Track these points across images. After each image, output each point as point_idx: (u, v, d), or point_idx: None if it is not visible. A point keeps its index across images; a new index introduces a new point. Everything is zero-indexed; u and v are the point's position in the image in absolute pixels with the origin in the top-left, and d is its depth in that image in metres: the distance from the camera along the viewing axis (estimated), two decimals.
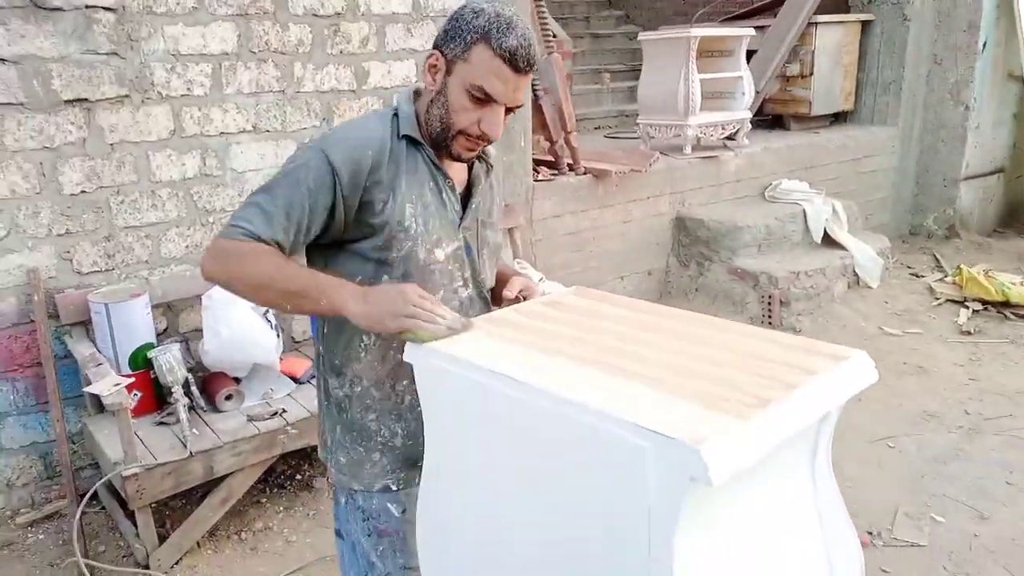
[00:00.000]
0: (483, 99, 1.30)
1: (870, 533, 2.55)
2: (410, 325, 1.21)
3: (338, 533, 1.57)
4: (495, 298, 1.53)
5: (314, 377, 1.58)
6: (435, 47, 1.35)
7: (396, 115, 1.38)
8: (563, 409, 1.02)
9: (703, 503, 0.95)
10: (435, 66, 1.34)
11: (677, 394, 1.02)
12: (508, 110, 1.34)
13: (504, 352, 1.18)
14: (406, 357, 1.27)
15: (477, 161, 1.46)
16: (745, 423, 0.93)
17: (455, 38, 1.31)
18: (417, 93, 1.43)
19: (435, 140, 1.37)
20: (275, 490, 2.90)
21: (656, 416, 0.94)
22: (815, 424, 1.09)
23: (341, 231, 1.34)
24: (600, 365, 1.12)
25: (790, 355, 1.12)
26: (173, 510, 2.75)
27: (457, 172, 1.44)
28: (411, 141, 1.37)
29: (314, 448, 2.93)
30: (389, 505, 1.45)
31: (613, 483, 0.99)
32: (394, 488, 1.45)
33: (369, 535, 1.47)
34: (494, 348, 1.20)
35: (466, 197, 1.46)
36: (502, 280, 1.54)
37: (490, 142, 1.37)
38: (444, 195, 1.41)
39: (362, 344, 1.40)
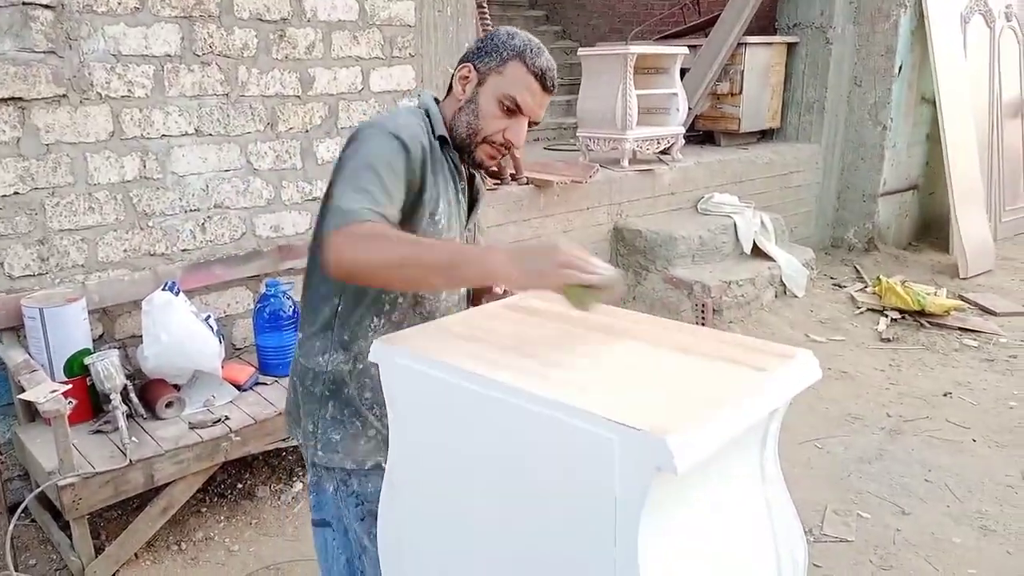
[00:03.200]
0: (512, 109, 1.45)
1: None
2: (571, 275, 1.18)
3: (321, 523, 1.58)
4: (474, 296, 1.64)
5: (289, 374, 1.60)
6: (466, 60, 1.49)
7: (428, 115, 1.49)
8: (529, 405, 1.06)
9: (665, 494, 1.00)
10: (467, 77, 1.48)
11: (639, 389, 1.07)
12: (529, 124, 1.49)
13: (469, 351, 1.22)
14: (371, 357, 1.29)
15: (475, 171, 1.60)
16: (705, 416, 0.99)
17: (490, 53, 1.45)
18: (436, 100, 1.54)
19: (459, 145, 1.50)
20: (215, 499, 2.85)
21: (621, 409, 0.99)
22: (764, 419, 1.16)
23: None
24: (562, 363, 1.16)
25: (742, 354, 1.19)
26: (109, 521, 2.68)
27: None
28: (442, 142, 1.48)
29: (256, 456, 2.90)
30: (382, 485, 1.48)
31: (579, 476, 1.03)
32: (385, 466, 1.48)
33: (363, 519, 1.50)
34: (459, 347, 1.24)
35: (470, 202, 1.60)
36: None
37: (511, 151, 1.51)
38: (460, 196, 1.54)
39: (371, 324, 1.47)
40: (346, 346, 1.47)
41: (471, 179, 1.60)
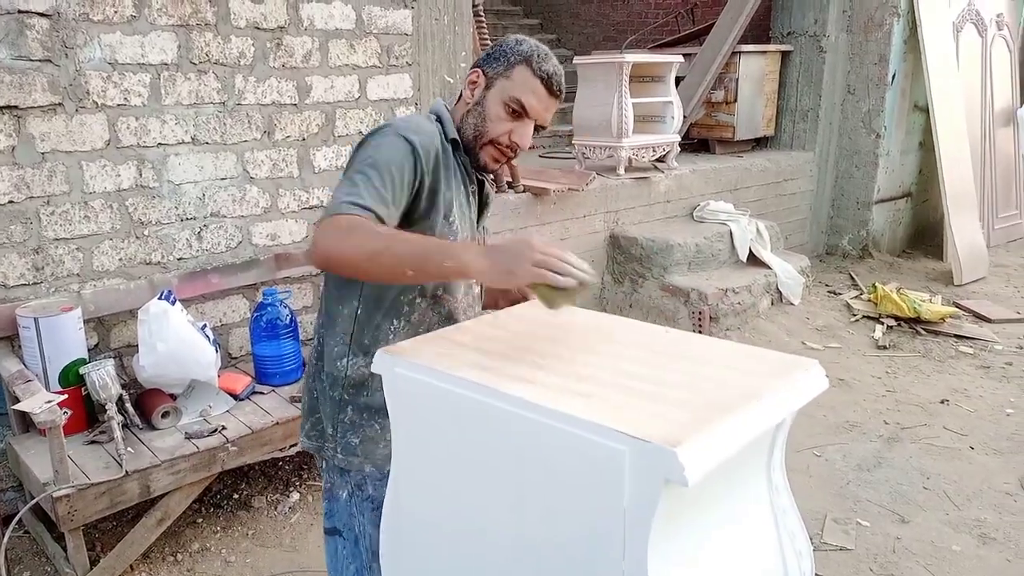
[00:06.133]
0: (518, 112, 1.48)
1: None
2: (541, 275, 1.17)
3: (332, 531, 1.60)
4: (491, 298, 1.71)
5: (305, 376, 1.65)
6: (475, 67, 1.54)
7: (440, 119, 1.53)
8: (537, 416, 1.06)
9: (674, 505, 0.99)
10: (475, 82, 1.52)
11: (646, 400, 1.06)
12: (535, 128, 1.52)
13: (472, 360, 1.21)
14: (374, 368, 1.28)
15: (482, 176, 1.63)
16: (715, 426, 0.98)
17: (499, 58, 1.50)
18: (446, 108, 1.58)
19: (466, 148, 1.53)
20: (212, 510, 2.83)
21: (631, 421, 0.99)
22: (772, 429, 1.16)
23: (412, 212, 1.43)
24: (568, 373, 1.15)
25: (749, 364, 1.19)
26: (103, 532, 2.65)
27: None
28: (454, 145, 1.52)
29: (252, 467, 2.88)
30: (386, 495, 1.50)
31: (588, 487, 1.02)
32: None
33: (379, 525, 1.49)
34: (462, 357, 1.23)
35: (480, 205, 1.64)
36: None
37: (516, 154, 1.55)
38: (471, 199, 1.58)
39: (391, 327, 1.49)
40: (366, 350, 1.49)
41: (480, 184, 1.63)
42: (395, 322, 1.49)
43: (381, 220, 1.31)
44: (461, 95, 1.56)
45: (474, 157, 1.54)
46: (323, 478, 1.61)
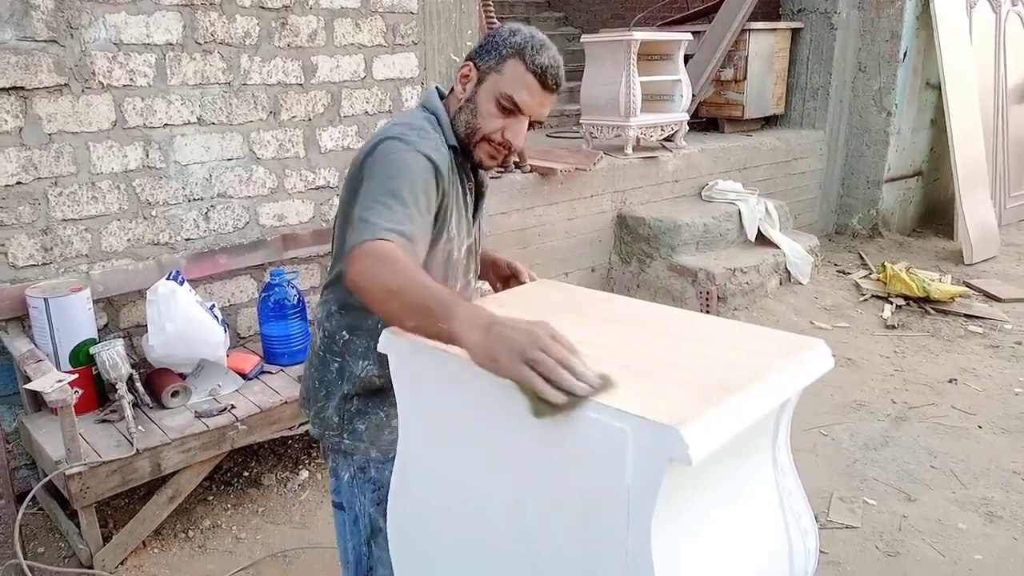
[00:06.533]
0: (510, 109, 1.42)
1: None
2: (528, 377, 0.99)
3: (338, 505, 1.65)
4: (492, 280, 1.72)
5: (307, 362, 1.63)
6: (468, 59, 1.47)
7: (439, 122, 1.47)
8: None
9: (678, 484, 1.00)
10: (467, 76, 1.46)
11: (650, 380, 1.07)
12: (531, 124, 1.46)
13: None
14: (380, 348, 1.29)
15: (480, 168, 1.57)
16: (719, 405, 0.98)
17: (490, 51, 1.43)
18: (441, 97, 1.53)
19: (461, 146, 1.48)
20: (222, 487, 2.86)
21: (634, 400, 0.99)
22: (776, 408, 1.16)
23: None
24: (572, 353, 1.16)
25: (755, 343, 1.19)
26: (115, 509, 2.68)
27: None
28: (453, 151, 1.47)
29: (261, 445, 2.91)
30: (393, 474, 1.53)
31: (592, 466, 1.03)
32: None
33: (379, 503, 1.53)
34: None
35: (476, 199, 1.60)
36: (484, 262, 1.71)
37: (511, 151, 1.48)
38: (467, 197, 1.54)
39: None
40: (383, 362, 1.46)
41: (476, 176, 1.59)
42: None
43: (412, 241, 1.26)
44: (453, 88, 1.51)
45: (469, 155, 1.49)
46: (328, 457, 1.63)
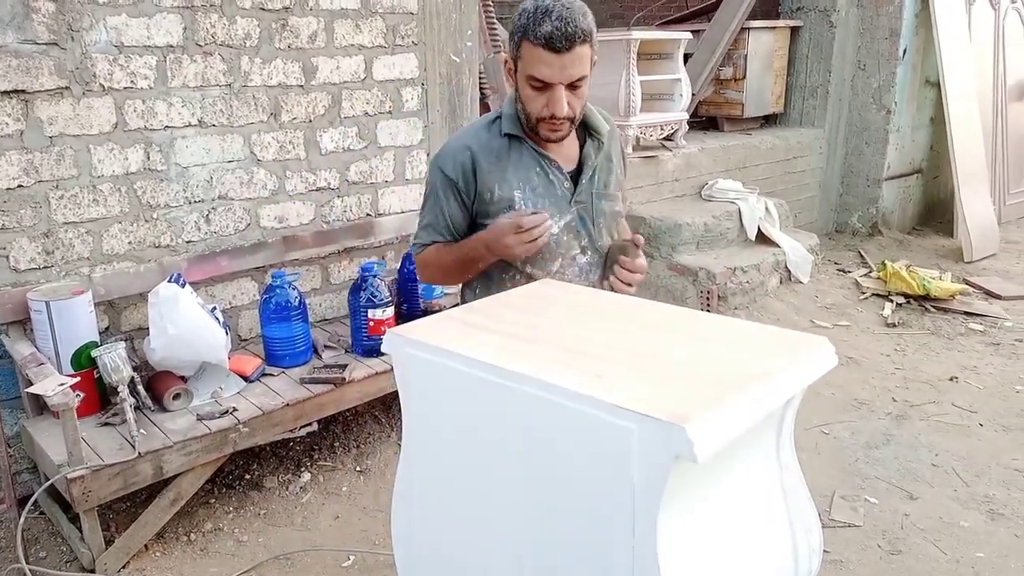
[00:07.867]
0: (541, 86, 1.53)
1: None
2: (519, 251, 1.57)
3: None
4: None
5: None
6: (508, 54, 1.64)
7: (499, 117, 1.66)
8: (547, 394, 1.06)
9: (684, 481, 1.00)
10: (509, 69, 1.62)
11: (656, 378, 1.07)
12: (571, 87, 1.54)
13: (483, 340, 1.21)
14: (383, 347, 1.29)
15: (589, 139, 1.71)
16: (724, 404, 0.98)
17: (511, 41, 1.56)
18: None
19: (531, 130, 1.63)
20: (224, 490, 2.85)
21: (640, 398, 0.99)
22: (781, 406, 1.16)
23: (475, 215, 1.72)
24: (577, 352, 1.16)
25: (759, 342, 1.19)
26: (118, 513, 2.68)
27: (566, 153, 1.70)
28: (513, 137, 1.65)
29: (263, 447, 2.91)
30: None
31: (598, 465, 1.03)
32: None
33: None
34: (472, 336, 1.23)
35: (578, 173, 1.71)
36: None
37: (563, 119, 1.57)
38: (551, 176, 1.67)
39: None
40: None
41: (582, 146, 1.71)
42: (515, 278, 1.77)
43: (444, 238, 1.74)
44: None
45: (538, 135, 1.63)
46: None
